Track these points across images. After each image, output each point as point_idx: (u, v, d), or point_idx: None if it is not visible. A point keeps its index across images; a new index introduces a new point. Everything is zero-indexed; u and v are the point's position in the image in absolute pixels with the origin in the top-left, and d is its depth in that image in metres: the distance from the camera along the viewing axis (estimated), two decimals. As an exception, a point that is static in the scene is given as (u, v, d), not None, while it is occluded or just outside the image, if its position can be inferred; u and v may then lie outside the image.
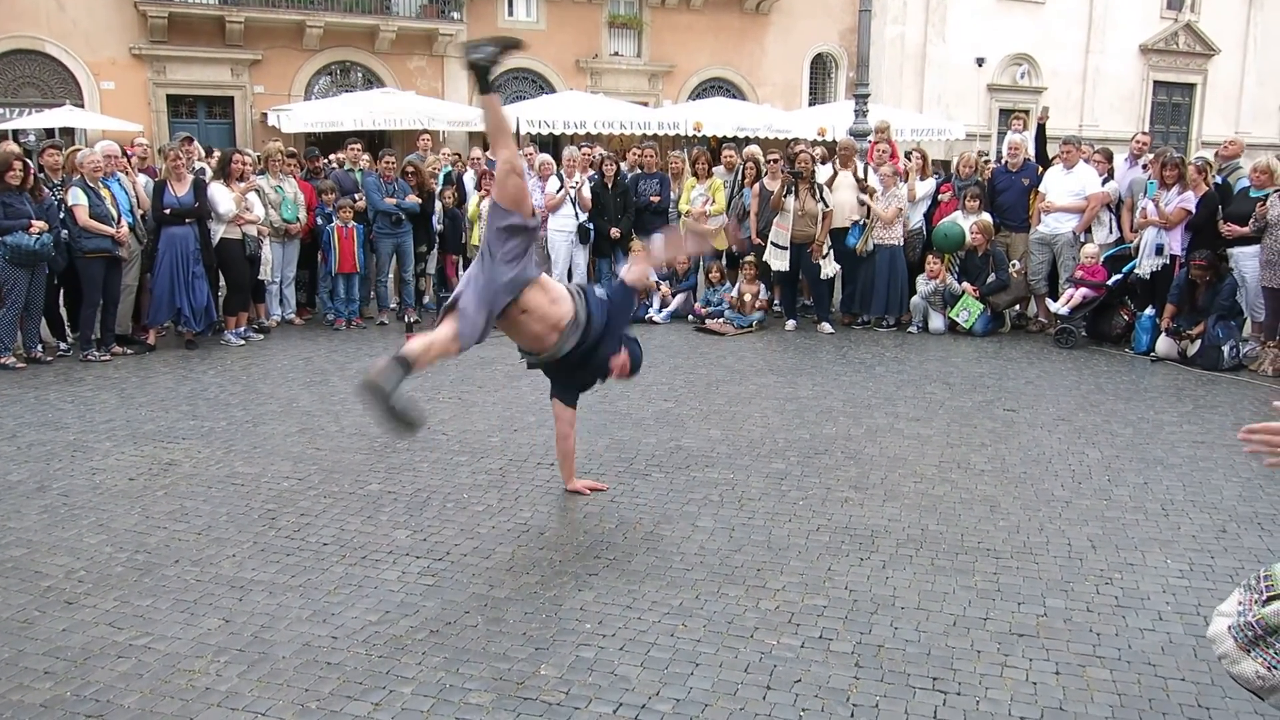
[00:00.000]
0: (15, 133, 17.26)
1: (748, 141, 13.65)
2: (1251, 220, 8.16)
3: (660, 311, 10.44)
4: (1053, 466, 5.64)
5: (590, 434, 6.13)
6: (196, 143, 10.44)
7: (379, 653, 3.45)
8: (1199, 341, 8.36)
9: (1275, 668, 1.98)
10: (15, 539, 4.46)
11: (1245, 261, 8.39)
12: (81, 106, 18.77)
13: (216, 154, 10.62)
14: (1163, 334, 8.61)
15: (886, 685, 3.28)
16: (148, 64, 19.65)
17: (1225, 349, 8.23)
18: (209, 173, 9.45)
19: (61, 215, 8.07)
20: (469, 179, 11.20)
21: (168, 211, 8.46)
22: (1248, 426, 2.15)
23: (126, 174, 8.84)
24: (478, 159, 11.25)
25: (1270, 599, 2.05)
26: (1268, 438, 2.11)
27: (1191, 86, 28.87)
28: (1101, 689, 3.27)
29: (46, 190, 8.12)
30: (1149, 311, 8.89)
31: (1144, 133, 10.69)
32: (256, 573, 4.11)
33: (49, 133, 16.53)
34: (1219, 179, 8.98)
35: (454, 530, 4.59)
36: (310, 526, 4.63)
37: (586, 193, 10.63)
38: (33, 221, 7.64)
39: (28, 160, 8.13)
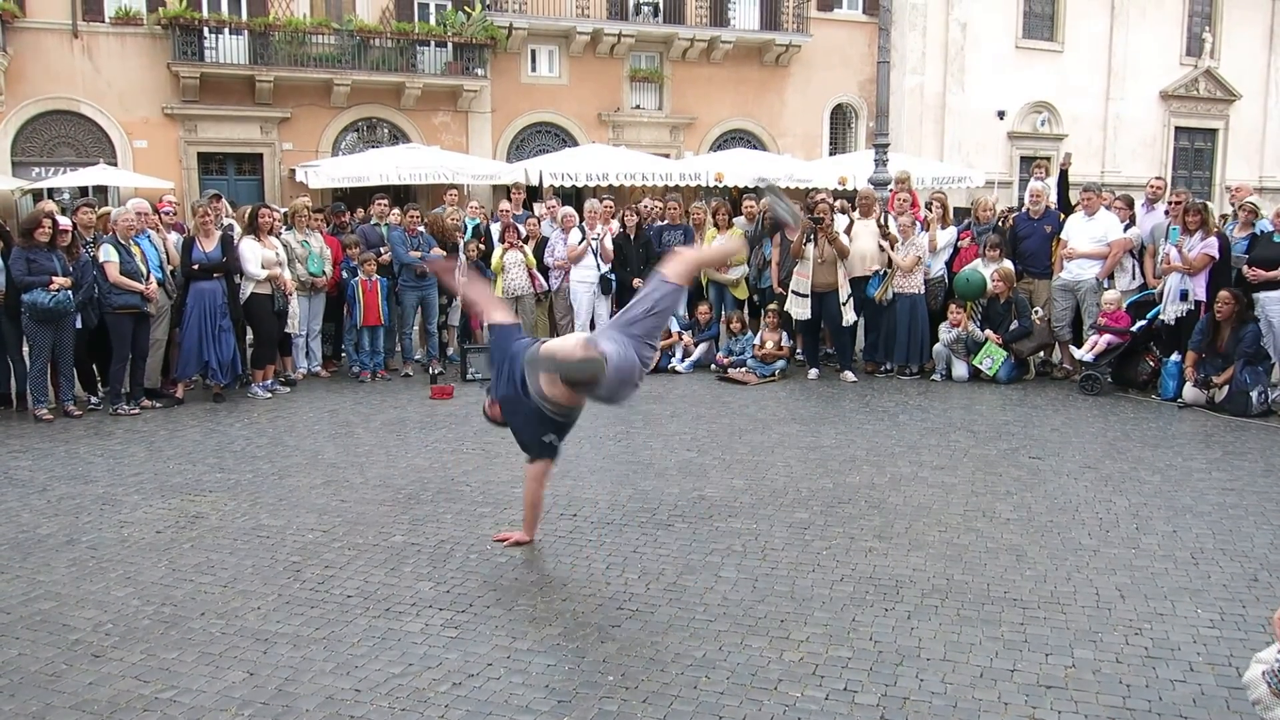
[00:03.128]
0: (50, 191, 17.65)
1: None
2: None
3: (683, 361, 10.47)
4: (1080, 515, 5.59)
5: (614, 484, 6.14)
6: (225, 199, 10.65)
7: (402, 705, 3.45)
8: (1227, 387, 8.28)
9: (1308, 715, 1.95)
10: (44, 592, 4.51)
11: (1272, 306, 8.35)
12: (115, 165, 19.20)
13: (244, 209, 10.81)
14: (1189, 382, 8.54)
15: (912, 739, 3.24)
16: (179, 123, 20.11)
17: (1254, 394, 8.15)
18: (237, 228, 9.64)
19: (94, 271, 8.24)
20: (495, 230, 11.34)
21: (196, 267, 8.63)
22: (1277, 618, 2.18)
23: (157, 231, 9.03)
24: (505, 211, 11.40)
25: None
26: None
27: (1213, 131, 28.85)
28: (1132, 743, 3.22)
29: (81, 248, 8.30)
30: (1175, 357, 8.83)
31: (1158, 177, 10.72)
32: (281, 625, 4.13)
33: (83, 191, 16.91)
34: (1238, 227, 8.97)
35: (477, 582, 4.60)
36: (334, 579, 4.65)
37: (609, 244, 10.73)
38: (54, 279, 7.81)
39: (61, 218, 8.33)
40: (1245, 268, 8.50)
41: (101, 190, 17.96)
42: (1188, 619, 4.17)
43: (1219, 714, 3.39)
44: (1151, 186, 10.13)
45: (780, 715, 3.38)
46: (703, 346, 10.61)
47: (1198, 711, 3.41)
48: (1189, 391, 8.50)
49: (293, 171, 19.83)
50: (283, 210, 10.47)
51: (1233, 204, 9.69)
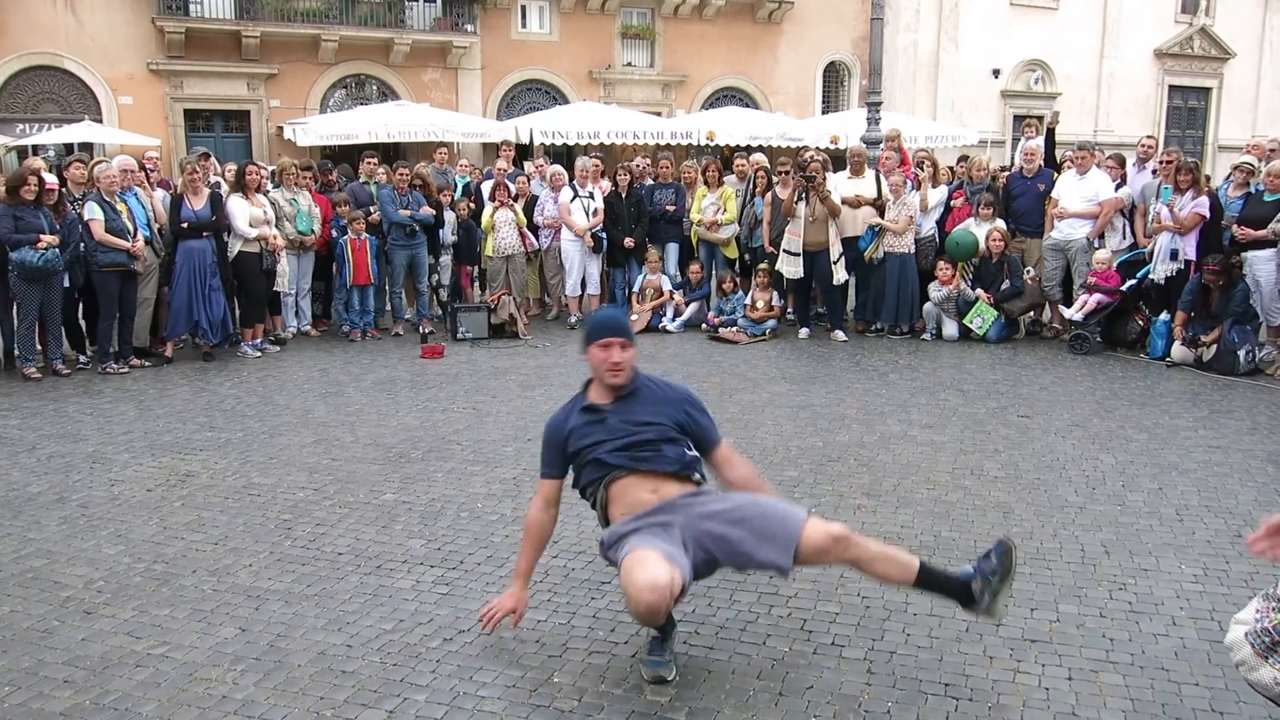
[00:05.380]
0: (35, 148, 17.47)
1: (759, 150, 13.68)
2: (1270, 228, 8.13)
3: (674, 321, 10.47)
4: (1066, 472, 5.63)
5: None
6: (214, 157, 10.55)
7: (393, 660, 3.48)
8: (1214, 346, 8.32)
9: (1293, 675, 1.98)
10: (35, 550, 4.51)
11: (1260, 265, 8.36)
12: (100, 122, 18.98)
13: (231, 167, 10.72)
14: (1177, 341, 8.57)
15: (898, 692, 3.28)
16: (165, 79, 19.86)
17: (1241, 353, 8.19)
18: (225, 187, 9.55)
19: (80, 229, 8.17)
20: (486, 189, 11.26)
21: (185, 226, 8.55)
22: (1252, 536, 2.12)
23: (143, 188, 8.95)
24: (501, 170, 11.32)
25: None
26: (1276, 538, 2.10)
27: (1207, 90, 28.72)
28: (1114, 695, 3.26)
29: (69, 205, 8.22)
30: (1164, 317, 8.86)
31: (1149, 136, 10.68)
32: (273, 582, 4.15)
33: (68, 148, 16.72)
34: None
35: (468, 539, 4.62)
36: (326, 536, 4.67)
37: (599, 203, 10.67)
38: (41, 236, 7.73)
39: (48, 176, 8.24)
40: (1235, 227, 8.50)
41: (87, 147, 17.76)
42: (1171, 574, 4.22)
43: (1200, 667, 3.44)
44: (1142, 146, 10.10)
45: (768, 670, 3.42)
46: (694, 306, 10.60)
47: (1179, 665, 3.46)
48: (1177, 350, 8.54)
49: (280, 129, 19.64)
50: (271, 168, 10.37)
51: (1250, 157, 9.54)
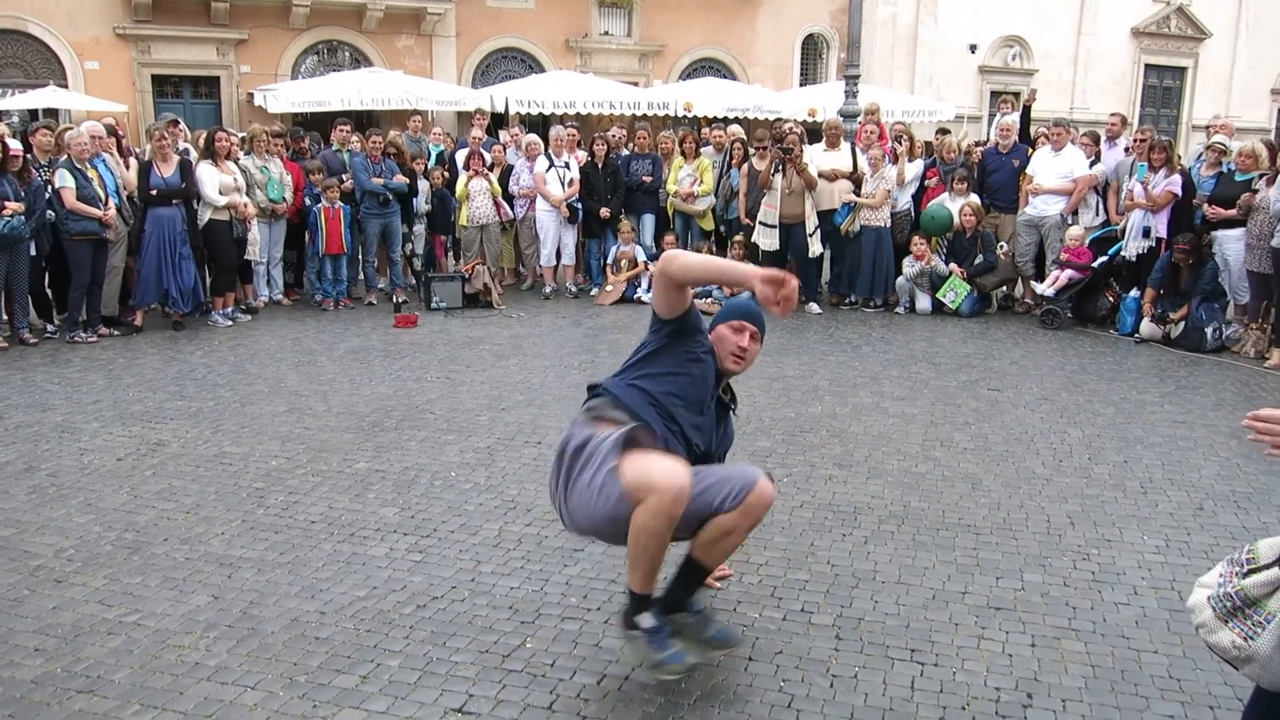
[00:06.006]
0: (-1, 113, 17.12)
1: (736, 122, 13.64)
2: (1238, 205, 8.22)
3: (648, 292, 10.46)
4: (1034, 445, 5.71)
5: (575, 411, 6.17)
6: (183, 124, 10.38)
7: (366, 627, 3.50)
8: (1182, 323, 8.43)
9: (1251, 638, 2.03)
10: (4, 519, 4.48)
11: (1229, 244, 8.46)
12: (65, 87, 18.59)
13: (200, 133, 10.55)
14: (1146, 318, 8.68)
15: (866, 656, 3.34)
16: (132, 43, 19.46)
17: (1208, 331, 8.31)
18: (194, 154, 9.42)
19: (48, 197, 8.04)
20: (460, 158, 11.18)
21: (154, 193, 8.44)
22: (1253, 413, 2.05)
23: (113, 155, 8.81)
24: (476, 139, 11.23)
25: (1250, 571, 2.10)
26: (1271, 426, 2.08)
27: (1183, 70, 28.85)
28: (1076, 661, 3.34)
29: (35, 171, 8.08)
30: (1134, 293, 8.96)
31: (1114, 114, 10.74)
32: (245, 550, 4.15)
33: (33, 114, 16.40)
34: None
35: (441, 508, 4.63)
36: (299, 505, 4.66)
37: (575, 173, 10.62)
38: (5, 204, 7.60)
39: (12, 142, 8.09)
40: (1206, 206, 8.59)
41: (53, 113, 17.41)
42: (1134, 545, 4.31)
43: (1160, 635, 3.52)
44: (1110, 124, 10.17)
45: (738, 635, 3.46)
46: (669, 278, 10.58)
47: (1139, 632, 3.54)
48: (1146, 327, 8.65)
49: (251, 95, 19.32)
50: (241, 135, 10.23)
51: (1210, 134, 9.63)
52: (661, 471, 2.83)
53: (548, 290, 10.82)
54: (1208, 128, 10.21)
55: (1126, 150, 9.55)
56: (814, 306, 9.93)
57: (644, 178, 10.73)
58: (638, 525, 2.85)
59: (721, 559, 3.16)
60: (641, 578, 2.97)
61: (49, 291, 8.75)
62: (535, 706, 3.02)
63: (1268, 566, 2.08)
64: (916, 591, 3.81)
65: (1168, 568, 4.08)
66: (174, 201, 8.51)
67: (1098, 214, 9.74)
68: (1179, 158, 9.13)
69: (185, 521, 4.46)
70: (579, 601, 3.70)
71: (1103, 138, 10.01)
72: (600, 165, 10.64)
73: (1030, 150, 10.13)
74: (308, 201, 9.93)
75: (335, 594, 3.75)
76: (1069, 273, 9.16)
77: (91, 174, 8.16)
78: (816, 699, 3.09)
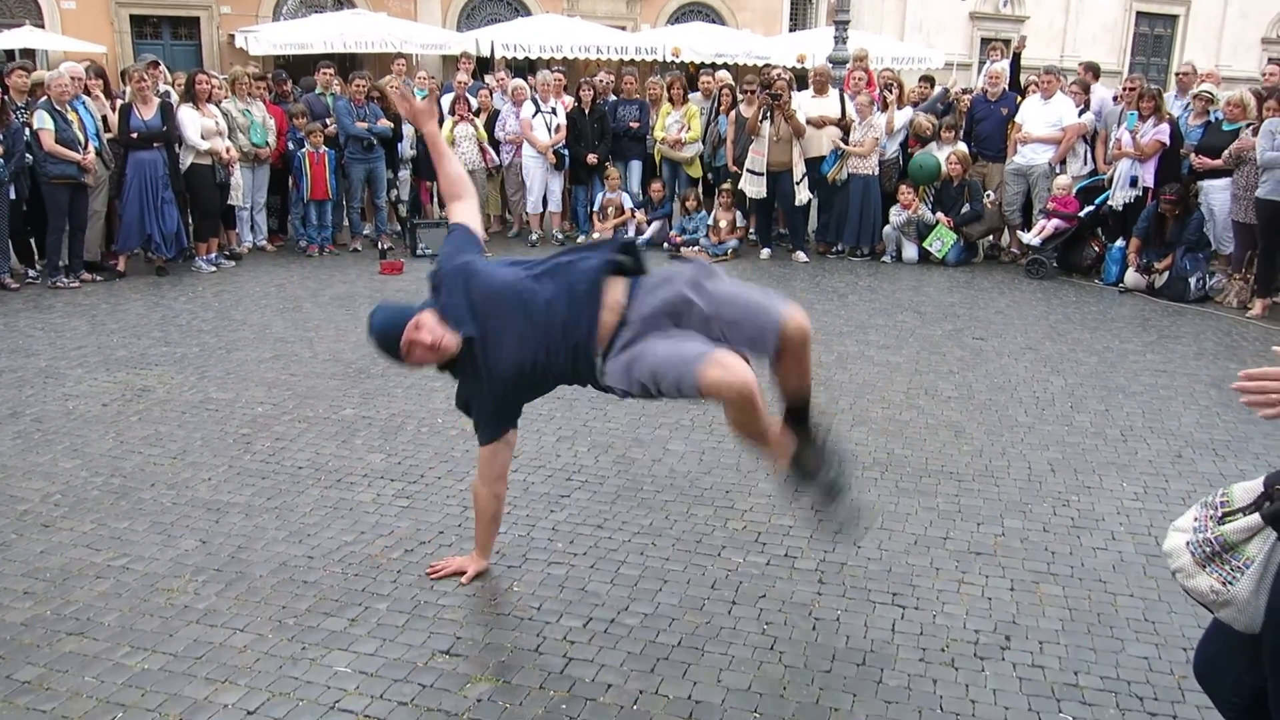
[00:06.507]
0: (-27, 54, 16.77)
1: (724, 68, 13.48)
2: (1226, 154, 8.21)
3: (636, 239, 10.42)
4: (1017, 393, 5.75)
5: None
6: (163, 66, 10.18)
7: (354, 571, 3.53)
8: (1166, 273, 8.46)
9: (1230, 583, 2.06)
10: (-10, 463, 4.48)
11: (1215, 194, 8.47)
12: (41, 27, 18.22)
13: (180, 75, 10.37)
14: (1131, 268, 8.70)
15: (848, 600, 3.40)
16: (110, -18, 19.06)
17: (1192, 281, 8.34)
18: (175, 96, 9.26)
19: (27, 139, 7.91)
20: (445, 103, 11.02)
21: (135, 136, 8.31)
22: (1245, 372, 2.01)
23: (95, 97, 8.66)
24: (462, 84, 11.07)
25: (1225, 516, 2.13)
26: (1265, 384, 2.03)
27: (1174, 18, 28.63)
28: (1053, 604, 3.40)
29: (12, 114, 7.94)
30: (1119, 243, 8.97)
31: (1083, 63, 10.60)
32: (232, 496, 4.17)
33: (9, 54, 16.07)
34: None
35: (428, 454, 4.65)
36: (285, 451, 4.68)
37: (562, 119, 10.51)
38: None
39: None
40: (1194, 156, 8.58)
41: (29, 54, 17.07)
42: (1113, 492, 4.37)
43: (1136, 579, 3.59)
44: (1080, 74, 10.09)
45: (723, 580, 3.51)
46: (656, 224, 10.55)
47: (1116, 577, 3.60)
48: (1130, 277, 8.67)
49: (232, 37, 18.97)
50: (222, 77, 10.05)
51: (1209, 85, 9.55)
52: (728, 376, 3.08)
53: (534, 237, 10.75)
54: (1178, 74, 10.12)
55: (1116, 99, 9.50)
56: (801, 255, 9.91)
57: (631, 124, 10.62)
58: (737, 424, 3.27)
59: (805, 380, 3.44)
60: (767, 433, 3.30)
61: (31, 237, 8.64)
62: (522, 649, 3.07)
63: (1245, 511, 2.11)
64: (898, 536, 3.86)
65: (1145, 514, 4.15)
66: (155, 145, 8.38)
67: (1086, 163, 9.71)
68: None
69: (172, 467, 4.47)
70: (565, 546, 3.74)
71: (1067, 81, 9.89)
72: (587, 111, 10.52)
73: (1019, 98, 10.06)
74: (291, 146, 9.81)
75: (323, 539, 3.77)
76: (1055, 222, 9.16)
77: (71, 116, 8.02)
78: (799, 641, 3.15)
